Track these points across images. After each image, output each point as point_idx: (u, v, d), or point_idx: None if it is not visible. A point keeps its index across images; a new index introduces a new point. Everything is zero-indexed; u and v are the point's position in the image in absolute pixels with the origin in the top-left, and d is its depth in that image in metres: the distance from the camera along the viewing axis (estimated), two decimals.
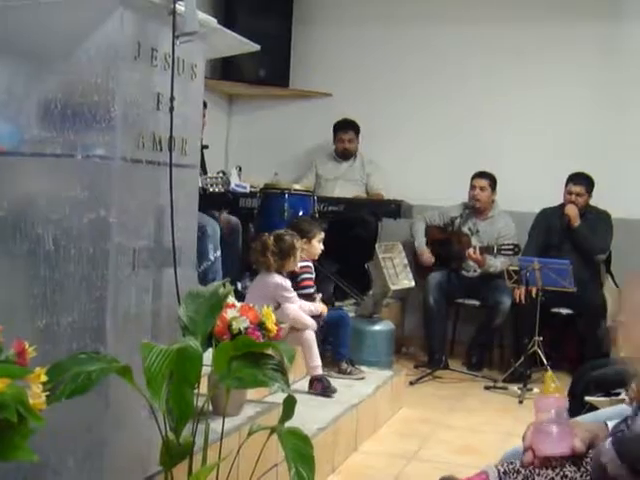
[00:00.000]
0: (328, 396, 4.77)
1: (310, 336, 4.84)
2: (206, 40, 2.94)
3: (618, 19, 7.23)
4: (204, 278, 5.05)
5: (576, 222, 6.77)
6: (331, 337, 5.33)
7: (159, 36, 2.68)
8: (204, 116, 5.43)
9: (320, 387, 4.80)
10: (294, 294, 4.95)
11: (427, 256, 7.12)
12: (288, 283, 4.94)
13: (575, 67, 7.38)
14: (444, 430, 5.17)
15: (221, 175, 5.44)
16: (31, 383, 1.88)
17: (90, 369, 2.28)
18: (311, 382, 4.84)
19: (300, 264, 5.14)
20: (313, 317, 5.02)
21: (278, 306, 4.68)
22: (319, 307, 5.12)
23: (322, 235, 5.42)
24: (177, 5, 2.64)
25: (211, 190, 5.32)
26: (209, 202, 5.50)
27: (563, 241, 6.86)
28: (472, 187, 7.02)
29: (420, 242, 7.18)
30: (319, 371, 4.85)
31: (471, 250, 6.73)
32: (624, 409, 2.60)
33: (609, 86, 7.29)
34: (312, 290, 5.28)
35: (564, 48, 7.38)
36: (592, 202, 6.88)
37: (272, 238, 4.95)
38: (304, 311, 4.95)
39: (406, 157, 7.70)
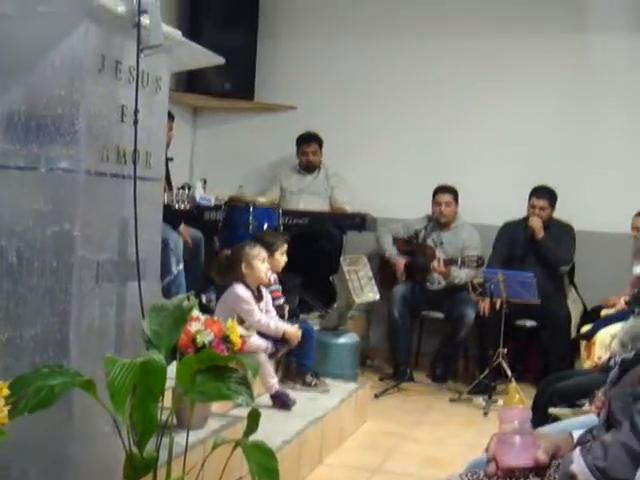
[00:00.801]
0: (288, 409, 4.77)
1: (261, 360, 4.72)
2: (171, 53, 2.94)
3: (585, 32, 7.25)
4: (167, 292, 5.02)
5: (540, 234, 6.82)
6: (295, 350, 5.31)
7: (124, 49, 2.68)
8: (171, 129, 5.40)
9: (279, 402, 4.81)
10: (254, 307, 4.92)
11: (401, 263, 7.11)
12: (247, 294, 4.90)
13: (539, 80, 7.42)
14: (409, 443, 5.18)
15: (187, 191, 5.40)
16: None
17: (53, 383, 2.26)
18: (271, 399, 4.84)
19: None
20: (278, 340, 4.99)
21: (242, 321, 4.66)
22: (281, 328, 4.99)
23: (285, 247, 5.38)
24: (142, 18, 2.64)
25: (177, 207, 5.28)
26: (174, 217, 5.47)
27: (527, 253, 6.90)
28: (437, 203, 7.03)
29: (391, 253, 7.17)
30: (275, 388, 4.85)
31: (435, 263, 6.75)
32: (589, 419, 2.63)
33: (572, 100, 7.33)
34: (281, 301, 5.30)
35: (529, 61, 7.43)
36: (555, 214, 6.93)
37: (226, 253, 5.02)
38: (262, 326, 4.90)
39: (370, 170, 7.71)
